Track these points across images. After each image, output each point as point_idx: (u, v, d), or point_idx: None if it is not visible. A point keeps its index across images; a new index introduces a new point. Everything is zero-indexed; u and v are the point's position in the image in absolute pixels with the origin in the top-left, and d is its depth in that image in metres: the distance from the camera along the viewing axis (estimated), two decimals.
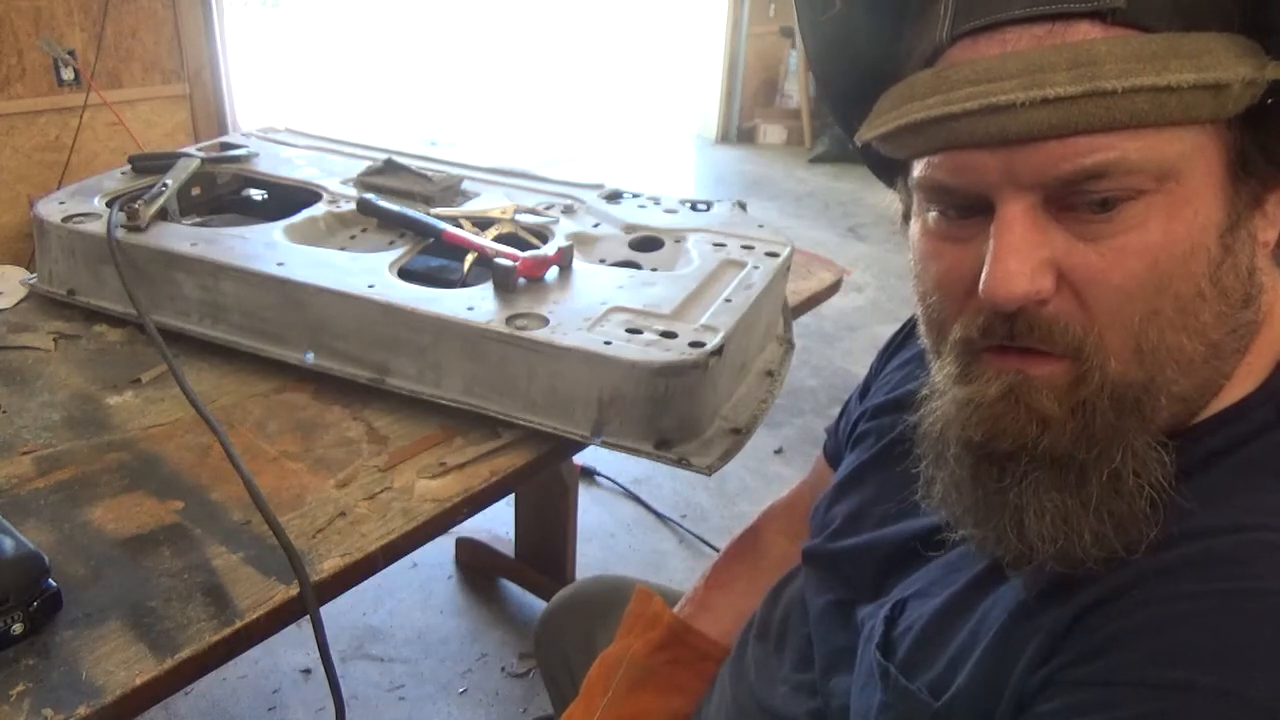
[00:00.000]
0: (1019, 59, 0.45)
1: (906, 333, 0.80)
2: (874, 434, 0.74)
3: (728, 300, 1.01)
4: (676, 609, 0.87)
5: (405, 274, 1.07)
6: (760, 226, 1.21)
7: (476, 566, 1.91)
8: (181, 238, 1.09)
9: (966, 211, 0.50)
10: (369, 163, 1.34)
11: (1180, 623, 0.43)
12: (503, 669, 1.69)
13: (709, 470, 0.91)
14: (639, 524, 2.09)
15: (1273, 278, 0.51)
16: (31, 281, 1.18)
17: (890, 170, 0.59)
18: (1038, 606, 0.49)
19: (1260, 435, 0.49)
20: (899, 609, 0.60)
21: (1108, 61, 0.43)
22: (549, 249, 1.08)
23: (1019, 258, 0.46)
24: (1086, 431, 0.48)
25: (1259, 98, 0.45)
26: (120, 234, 1.09)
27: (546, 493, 1.73)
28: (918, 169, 0.51)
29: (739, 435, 0.96)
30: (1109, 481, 0.47)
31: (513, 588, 1.87)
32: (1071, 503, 0.48)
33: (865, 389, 0.83)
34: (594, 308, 0.98)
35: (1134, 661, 0.43)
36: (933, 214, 0.52)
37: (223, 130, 3.05)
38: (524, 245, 1.13)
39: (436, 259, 1.20)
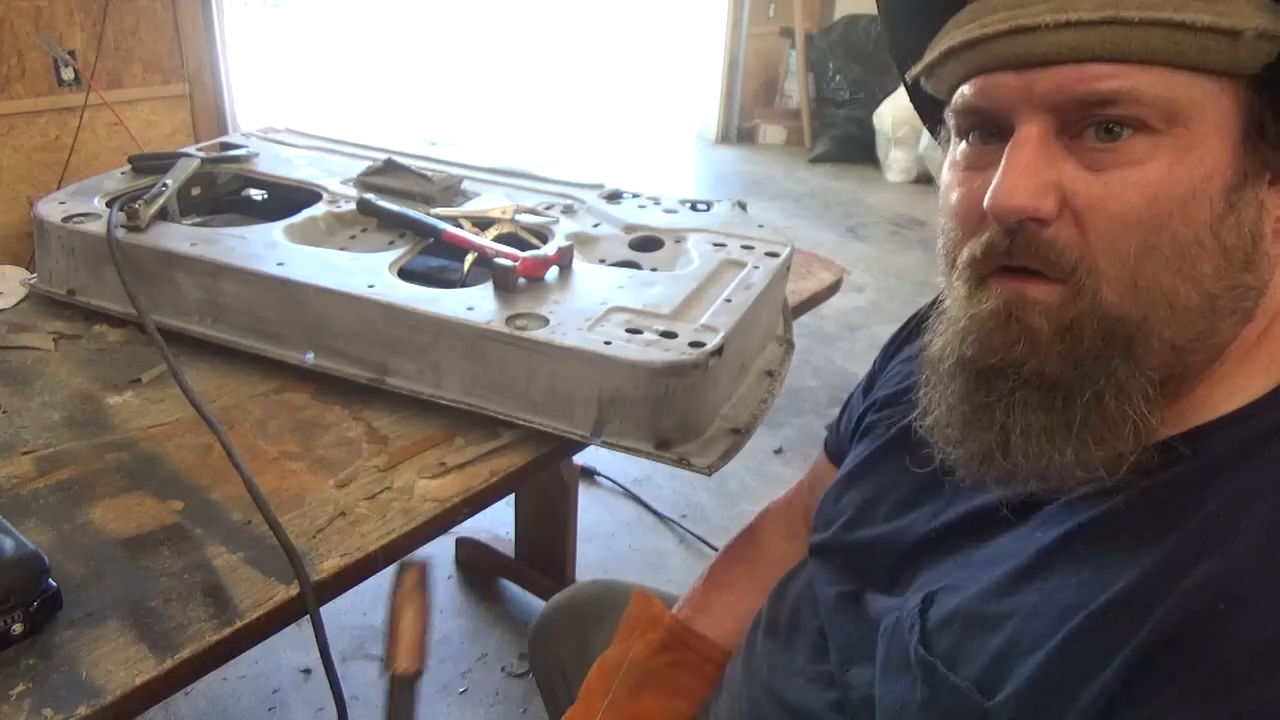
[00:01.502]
0: None
1: (912, 328, 0.80)
2: (884, 423, 0.74)
3: (728, 300, 1.01)
4: (675, 610, 0.87)
5: (405, 274, 1.07)
6: (760, 226, 1.21)
7: (476, 566, 1.91)
8: (181, 238, 1.09)
9: (990, 138, 0.52)
10: (369, 163, 1.34)
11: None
12: (503, 669, 1.69)
13: (709, 470, 0.91)
14: (639, 524, 2.09)
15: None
16: (31, 281, 1.18)
17: (937, 115, 0.61)
18: (1106, 620, 0.47)
19: None
20: (929, 602, 0.58)
21: None
22: (549, 249, 1.08)
23: (1024, 174, 0.48)
24: (1073, 354, 0.49)
25: (1276, 57, 0.46)
26: (120, 234, 1.09)
27: (546, 493, 1.73)
28: (954, 100, 0.54)
29: (739, 435, 0.96)
30: (1091, 401, 0.49)
31: (513, 588, 1.87)
32: (1056, 423, 0.50)
33: (869, 384, 0.82)
34: (594, 308, 0.98)
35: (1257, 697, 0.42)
36: (961, 146, 0.54)
37: (223, 130, 3.05)
38: (524, 245, 1.13)
39: (436, 259, 1.20)
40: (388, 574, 0.82)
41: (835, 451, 0.86)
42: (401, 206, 1.20)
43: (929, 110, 0.62)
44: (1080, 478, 0.50)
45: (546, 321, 0.95)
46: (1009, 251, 0.50)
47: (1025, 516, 0.55)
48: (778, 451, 2.37)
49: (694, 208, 1.28)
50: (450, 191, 1.29)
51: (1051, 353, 0.50)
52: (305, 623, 0.75)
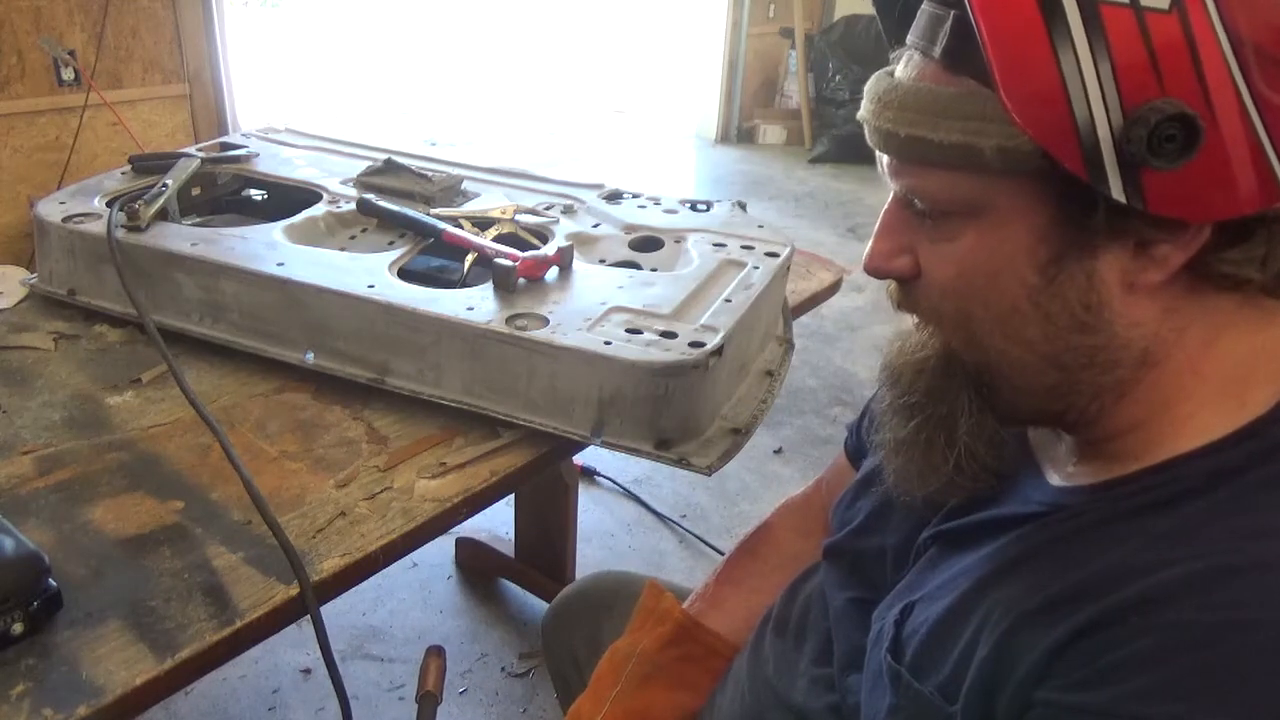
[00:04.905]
0: (881, 82, 0.53)
1: None
2: None
3: (728, 300, 1.01)
4: (687, 604, 0.87)
5: (405, 274, 1.07)
6: (760, 226, 1.21)
7: (476, 566, 1.91)
8: (181, 238, 1.09)
9: None
10: (369, 163, 1.34)
11: (1175, 656, 0.44)
12: (503, 669, 1.69)
13: (709, 470, 0.91)
14: (639, 524, 2.09)
15: (1178, 323, 0.50)
16: (31, 281, 1.18)
17: None
18: (1037, 618, 0.49)
19: (1250, 468, 0.49)
20: (908, 611, 0.60)
21: (907, 109, 0.50)
22: (549, 249, 1.08)
23: (880, 238, 0.56)
24: (941, 380, 0.57)
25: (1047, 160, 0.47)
26: (120, 234, 1.09)
27: (546, 493, 1.73)
28: None
29: (739, 435, 0.96)
30: (947, 421, 0.57)
31: (513, 588, 1.87)
32: (935, 437, 0.57)
33: None
34: (594, 308, 0.98)
35: (1132, 694, 0.44)
36: None
37: (223, 130, 3.05)
38: (524, 245, 1.13)
39: (436, 259, 1.20)
40: (388, 573, 0.82)
41: (854, 452, 0.86)
42: (401, 206, 1.20)
43: None
44: (940, 486, 0.58)
45: (546, 321, 0.95)
46: (897, 299, 0.58)
47: (1005, 530, 0.57)
48: (778, 451, 2.37)
49: (694, 208, 1.28)
50: (450, 191, 1.29)
51: (926, 378, 0.57)
52: (305, 623, 0.75)
